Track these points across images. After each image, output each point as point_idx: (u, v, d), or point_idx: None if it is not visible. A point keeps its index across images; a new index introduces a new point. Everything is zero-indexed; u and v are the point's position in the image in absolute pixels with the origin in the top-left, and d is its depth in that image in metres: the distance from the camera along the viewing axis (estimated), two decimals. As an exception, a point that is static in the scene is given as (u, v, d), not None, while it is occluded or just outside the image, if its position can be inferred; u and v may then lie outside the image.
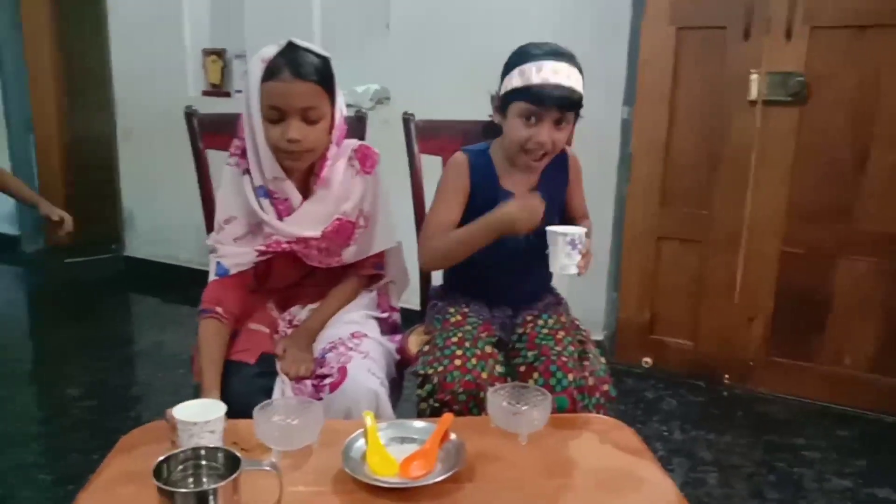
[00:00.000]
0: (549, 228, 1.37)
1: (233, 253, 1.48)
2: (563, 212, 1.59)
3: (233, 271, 1.47)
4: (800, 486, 2.01)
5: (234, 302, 1.46)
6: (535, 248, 1.45)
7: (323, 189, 1.49)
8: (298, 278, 1.60)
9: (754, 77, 2.40)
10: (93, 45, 4.04)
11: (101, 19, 3.70)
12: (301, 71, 1.34)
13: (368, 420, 1.15)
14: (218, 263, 1.48)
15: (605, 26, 2.60)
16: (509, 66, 1.43)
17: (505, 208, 1.39)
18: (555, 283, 1.72)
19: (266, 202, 1.46)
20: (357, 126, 1.75)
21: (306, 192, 1.49)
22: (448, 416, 1.17)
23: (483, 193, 1.50)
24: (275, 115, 1.37)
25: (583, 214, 1.64)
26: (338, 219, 1.50)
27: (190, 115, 1.70)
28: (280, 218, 1.47)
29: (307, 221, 1.47)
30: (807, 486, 2.02)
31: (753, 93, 2.41)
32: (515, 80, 1.40)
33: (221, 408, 1.12)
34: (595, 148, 2.61)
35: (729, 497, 1.97)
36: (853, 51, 2.29)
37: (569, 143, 1.69)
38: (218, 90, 3.47)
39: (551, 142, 1.42)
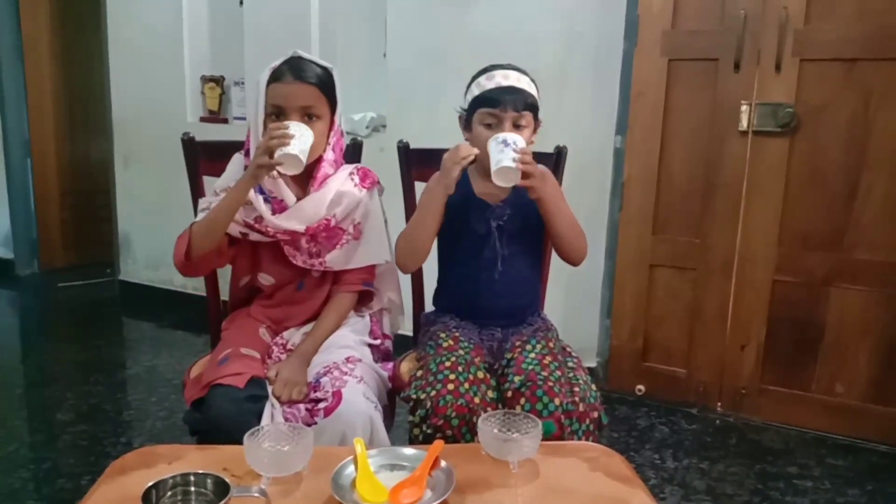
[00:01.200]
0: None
1: None
2: (540, 221, 1.57)
3: None
4: (793, 516, 2.01)
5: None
6: (513, 255, 1.55)
7: (317, 192, 1.55)
8: (289, 287, 1.61)
9: (745, 108, 2.43)
10: (93, 71, 4.09)
11: (101, 45, 3.74)
12: (302, 74, 1.48)
13: (359, 447, 1.15)
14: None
15: (598, 57, 2.64)
16: (469, 84, 1.57)
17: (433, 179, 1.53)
18: (546, 310, 1.73)
19: (261, 199, 1.53)
20: (353, 153, 1.78)
21: (302, 197, 1.56)
22: (438, 444, 1.17)
23: (457, 199, 1.54)
24: (276, 112, 1.48)
25: None
26: (326, 219, 1.55)
27: (187, 140, 1.72)
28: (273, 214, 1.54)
29: (296, 217, 1.54)
30: (800, 515, 2.02)
31: (744, 123, 2.44)
32: (473, 91, 1.54)
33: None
34: (588, 176, 2.65)
35: (722, 526, 1.96)
36: (843, 83, 2.33)
37: (563, 171, 1.71)
38: (216, 117, 3.50)
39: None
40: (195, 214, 1.73)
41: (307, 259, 1.59)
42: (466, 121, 1.57)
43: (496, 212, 1.56)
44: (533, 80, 1.56)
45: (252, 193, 1.51)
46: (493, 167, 1.40)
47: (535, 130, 1.56)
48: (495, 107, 1.49)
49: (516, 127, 1.50)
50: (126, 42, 3.64)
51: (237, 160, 1.61)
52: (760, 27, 2.38)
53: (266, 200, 1.53)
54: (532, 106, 1.52)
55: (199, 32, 3.53)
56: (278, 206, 1.55)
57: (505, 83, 1.50)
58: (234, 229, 1.55)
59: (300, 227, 1.54)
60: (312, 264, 1.60)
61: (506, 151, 1.40)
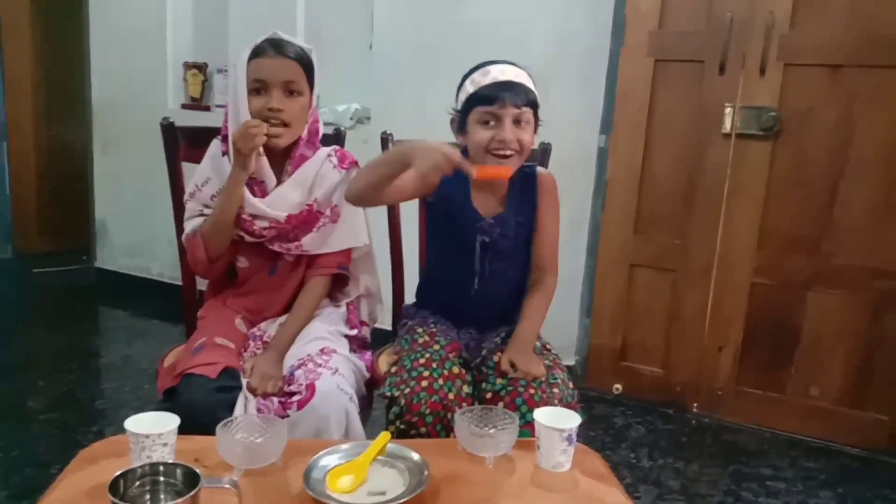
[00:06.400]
0: (539, 420, 1.17)
1: None
2: (531, 237, 1.57)
3: None
4: (765, 517, 2.03)
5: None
6: (497, 270, 1.52)
7: (297, 173, 1.56)
8: (262, 272, 1.61)
9: (728, 110, 2.44)
10: (73, 54, 4.01)
11: (82, 28, 3.68)
12: (283, 50, 1.50)
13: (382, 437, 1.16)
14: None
15: (584, 56, 2.64)
16: (461, 84, 1.49)
17: (415, 142, 1.31)
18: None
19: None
20: (335, 142, 1.76)
21: (281, 176, 1.56)
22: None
23: (452, 203, 1.51)
24: (258, 87, 1.49)
25: (548, 261, 1.56)
26: (308, 205, 1.56)
27: (167, 126, 1.69)
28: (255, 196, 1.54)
29: (279, 203, 1.54)
30: (772, 516, 2.03)
31: (727, 126, 2.45)
32: (468, 89, 1.45)
33: (174, 420, 1.10)
34: (572, 175, 2.64)
35: (695, 526, 1.97)
36: (826, 89, 2.34)
37: (546, 165, 1.71)
38: (198, 104, 3.45)
39: (516, 139, 1.42)
40: (173, 204, 1.71)
41: (283, 243, 1.58)
42: (460, 123, 1.49)
43: (486, 227, 1.51)
44: (531, 77, 1.48)
45: None
46: (549, 466, 1.18)
47: (535, 130, 1.50)
48: (493, 104, 1.41)
49: (517, 124, 1.43)
50: (108, 26, 3.58)
51: (215, 146, 1.59)
52: (746, 30, 2.39)
53: (246, 184, 1.52)
54: (533, 103, 1.44)
55: (182, 18, 3.47)
56: (259, 189, 1.55)
57: (503, 78, 1.42)
58: None
59: (282, 216, 1.53)
60: (288, 248, 1.58)
61: (568, 451, 1.17)
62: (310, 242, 1.58)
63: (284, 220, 1.54)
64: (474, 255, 1.51)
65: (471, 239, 1.51)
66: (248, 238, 1.56)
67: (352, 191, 1.44)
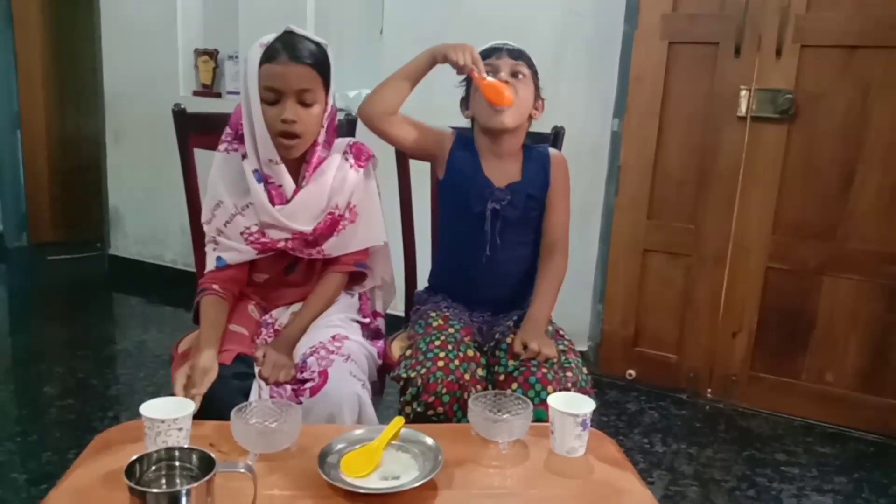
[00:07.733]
0: (553, 405, 1.17)
1: (234, 248, 1.51)
2: (541, 216, 1.59)
3: (230, 262, 1.52)
4: (779, 502, 2.01)
5: (231, 283, 1.52)
6: (507, 243, 1.54)
7: (315, 178, 1.50)
8: (280, 271, 1.59)
9: (744, 93, 2.41)
10: (84, 44, 4.02)
11: (93, 17, 3.68)
12: (297, 54, 1.40)
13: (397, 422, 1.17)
14: (218, 258, 1.52)
15: (596, 39, 2.61)
16: None
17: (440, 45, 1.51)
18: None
19: (260, 187, 1.48)
20: (347, 129, 1.75)
21: (298, 181, 1.51)
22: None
23: (463, 175, 1.56)
24: (271, 96, 1.41)
25: (558, 242, 1.58)
26: (330, 213, 1.51)
27: (178, 112, 1.68)
28: (272, 204, 1.49)
29: (300, 213, 1.49)
30: (786, 502, 2.02)
31: (743, 109, 2.42)
32: None
33: (189, 405, 1.11)
34: (585, 160, 2.63)
35: (709, 511, 1.97)
36: (842, 70, 2.31)
37: (556, 146, 1.70)
38: (209, 91, 3.45)
39: (513, 89, 1.48)
40: (185, 192, 1.71)
41: (304, 248, 1.54)
42: (465, 96, 1.60)
43: (496, 194, 1.54)
44: (532, 58, 1.57)
45: (253, 180, 1.47)
46: (563, 452, 1.17)
47: (536, 103, 1.56)
48: (491, 56, 1.51)
49: (514, 77, 1.50)
50: (118, 15, 3.57)
51: (220, 161, 1.53)
52: (762, 11, 2.35)
53: (265, 188, 1.48)
54: (530, 63, 1.54)
55: (192, 4, 3.47)
56: (277, 194, 1.48)
57: (500, 42, 1.54)
58: (250, 254, 1.52)
59: (308, 228, 1.49)
60: (310, 254, 1.55)
61: (582, 436, 1.17)
62: (331, 246, 1.55)
63: (311, 231, 1.50)
64: (485, 223, 1.53)
65: (481, 206, 1.54)
66: (265, 254, 1.53)
67: (370, 99, 1.52)
